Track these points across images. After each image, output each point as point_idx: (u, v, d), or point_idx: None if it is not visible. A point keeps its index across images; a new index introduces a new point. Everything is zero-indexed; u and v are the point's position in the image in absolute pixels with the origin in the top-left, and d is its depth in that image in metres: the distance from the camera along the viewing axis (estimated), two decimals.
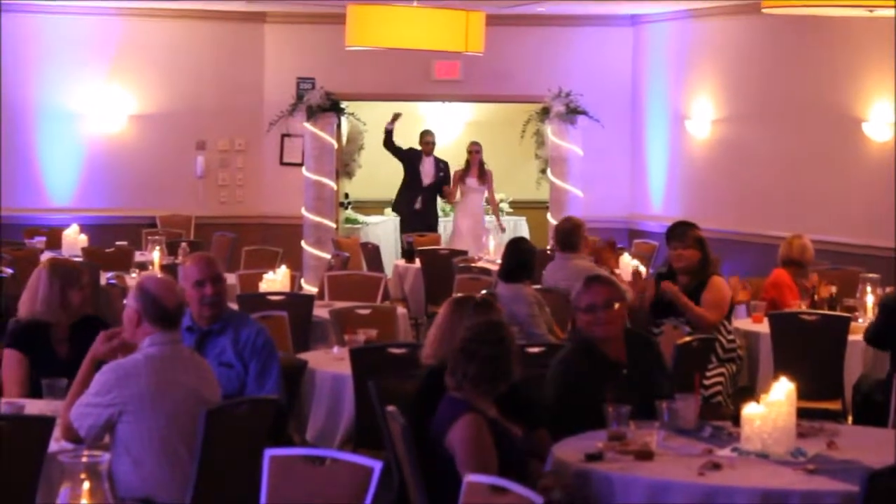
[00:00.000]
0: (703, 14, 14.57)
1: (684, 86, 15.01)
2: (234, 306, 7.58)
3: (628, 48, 15.91)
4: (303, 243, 15.48)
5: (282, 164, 15.82)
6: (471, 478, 4.55)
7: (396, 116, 15.46)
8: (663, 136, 15.43)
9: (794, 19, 12.25)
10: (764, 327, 8.69)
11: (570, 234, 9.43)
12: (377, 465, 4.57)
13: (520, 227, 17.36)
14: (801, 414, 5.37)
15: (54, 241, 13.15)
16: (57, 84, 15.21)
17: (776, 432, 5.16)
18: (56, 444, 5.07)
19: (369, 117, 16.45)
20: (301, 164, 15.60)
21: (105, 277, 10.52)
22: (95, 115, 15.34)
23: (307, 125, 15.48)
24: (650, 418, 5.52)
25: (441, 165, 15.37)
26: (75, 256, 11.78)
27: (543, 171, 15.91)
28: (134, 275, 10.67)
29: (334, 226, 15.70)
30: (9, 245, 12.21)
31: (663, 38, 15.51)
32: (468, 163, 15.19)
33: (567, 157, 15.52)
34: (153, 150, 15.55)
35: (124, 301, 5.44)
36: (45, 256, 11.29)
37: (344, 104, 15.68)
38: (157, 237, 12.06)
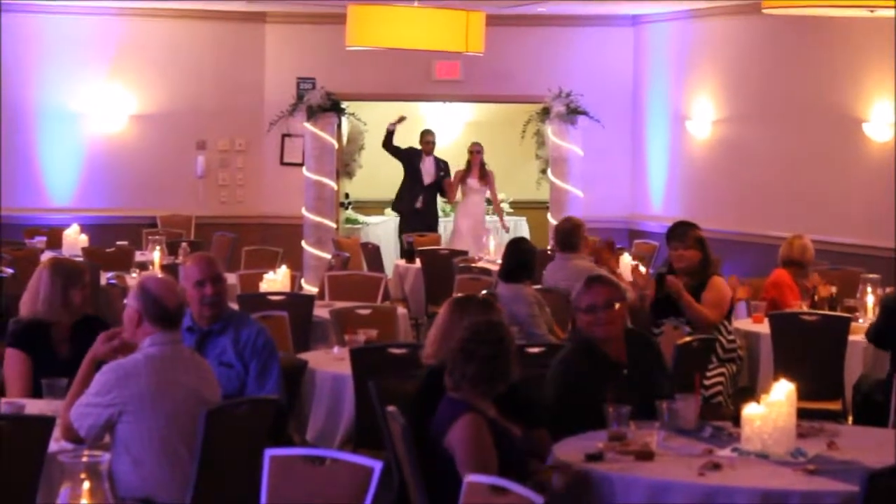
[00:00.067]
0: (703, 14, 14.57)
1: (685, 86, 15.01)
2: (235, 306, 7.58)
3: (629, 48, 15.91)
4: (303, 243, 15.49)
5: (282, 164, 15.82)
6: (471, 478, 4.55)
7: (401, 119, 15.46)
8: (664, 137, 15.43)
9: (795, 19, 12.25)
10: (764, 327, 8.69)
11: (570, 235, 9.43)
12: (377, 466, 4.57)
13: (520, 227, 17.36)
14: (802, 414, 5.37)
15: (54, 240, 13.15)
16: (57, 84, 15.21)
17: (776, 432, 5.16)
18: (56, 444, 5.07)
19: (370, 117, 16.45)
20: (301, 164, 15.61)
21: (105, 277, 10.53)
22: (96, 115, 15.35)
23: (307, 125, 15.49)
24: (650, 418, 5.52)
25: (441, 164, 15.37)
26: (75, 256, 11.78)
27: (544, 172, 15.91)
28: (134, 275, 10.67)
29: (334, 226, 15.70)
30: (9, 245, 12.22)
31: (664, 39, 15.51)
32: (469, 163, 15.21)
33: (567, 157, 15.52)
34: (153, 150, 15.55)
35: (124, 301, 5.44)
36: (46, 256, 11.29)
37: (344, 104, 15.68)
38: (157, 237, 12.06)
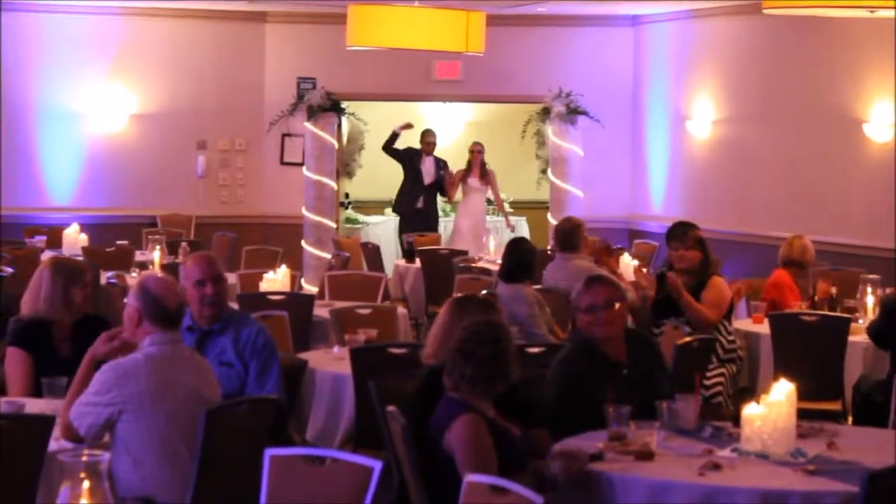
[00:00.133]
0: (703, 14, 14.57)
1: (685, 86, 15.01)
2: (235, 306, 7.58)
3: (629, 48, 15.91)
4: (303, 243, 15.49)
5: (282, 163, 15.82)
6: (471, 478, 4.55)
7: (408, 126, 15.46)
8: (664, 137, 15.43)
9: (795, 20, 12.25)
10: (764, 328, 8.69)
11: (570, 235, 9.43)
12: (377, 465, 4.57)
13: (520, 227, 17.35)
14: (802, 414, 5.37)
15: (55, 240, 13.15)
16: (58, 83, 15.21)
17: (776, 433, 5.16)
18: (56, 443, 5.07)
19: (370, 117, 16.45)
20: (301, 164, 15.61)
21: (105, 277, 10.52)
22: (96, 115, 15.35)
23: (308, 125, 15.49)
24: (650, 418, 5.52)
25: (441, 164, 15.38)
26: (76, 256, 11.77)
27: (544, 172, 15.91)
28: (134, 274, 10.67)
29: (335, 226, 15.70)
30: (9, 244, 12.21)
31: (664, 39, 15.51)
32: (470, 162, 15.24)
33: (567, 157, 15.52)
34: (154, 150, 15.55)
35: (125, 300, 5.44)
36: (46, 255, 11.28)
37: (344, 104, 15.68)
38: (157, 237, 12.06)
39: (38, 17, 15.14)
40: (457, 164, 15.47)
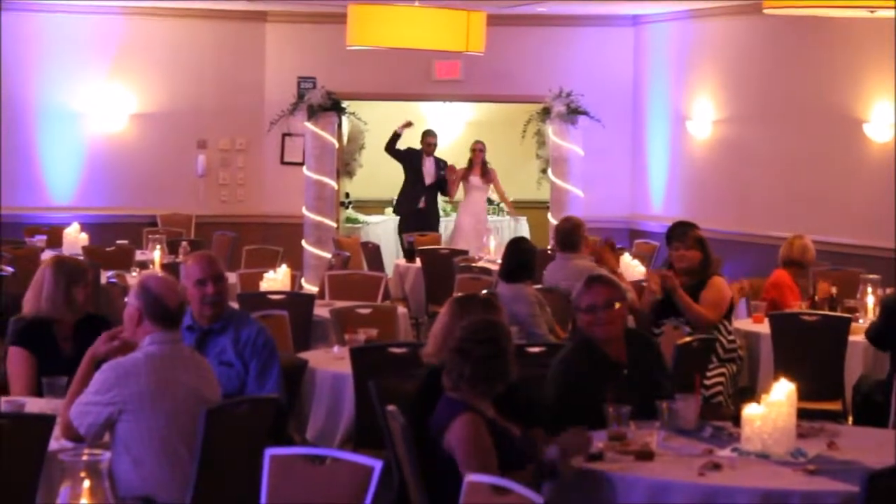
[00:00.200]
0: (704, 14, 14.57)
1: (685, 86, 15.01)
2: (235, 305, 7.58)
3: (629, 48, 15.91)
4: (303, 243, 15.48)
5: (282, 163, 15.82)
6: (471, 477, 4.55)
7: (408, 124, 15.48)
8: (664, 137, 15.43)
9: (795, 20, 12.25)
10: (764, 328, 8.69)
11: (570, 234, 9.43)
12: (377, 465, 4.57)
13: (520, 226, 17.37)
14: (802, 414, 5.37)
15: (55, 239, 13.15)
16: (58, 83, 15.21)
17: (776, 433, 5.16)
18: (56, 442, 5.07)
19: (370, 117, 16.45)
20: (302, 164, 15.61)
21: (106, 276, 10.52)
22: (96, 114, 15.35)
23: (308, 124, 15.49)
24: (651, 418, 5.52)
25: (441, 164, 15.40)
26: (76, 255, 11.77)
27: (544, 171, 15.91)
28: (134, 273, 10.67)
29: (335, 225, 15.70)
30: (9, 244, 12.21)
31: (664, 39, 15.51)
32: (471, 161, 15.28)
33: (568, 157, 15.52)
34: (154, 149, 15.56)
35: (125, 299, 5.44)
36: (46, 255, 11.29)
37: (345, 103, 15.67)
38: (157, 236, 12.06)
39: (38, 17, 15.14)
40: (457, 163, 15.48)
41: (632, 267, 11.21)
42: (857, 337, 8.41)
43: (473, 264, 11.96)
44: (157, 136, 15.56)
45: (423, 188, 15.27)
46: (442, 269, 12.06)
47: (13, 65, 14.94)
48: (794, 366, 7.87)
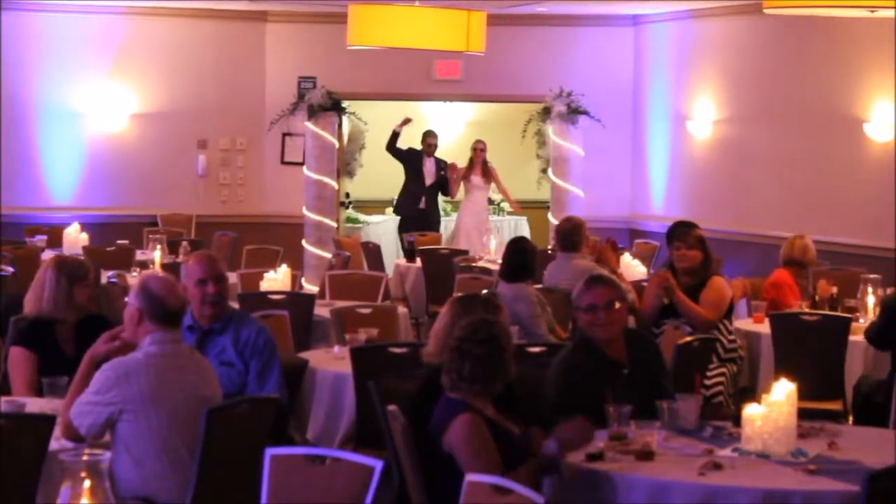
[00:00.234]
0: (704, 14, 14.57)
1: (685, 86, 15.02)
2: (236, 305, 7.58)
3: (629, 48, 15.91)
4: (304, 242, 15.49)
5: (283, 163, 15.83)
6: (472, 477, 4.55)
7: (407, 121, 15.49)
8: (664, 137, 15.43)
9: (796, 20, 12.25)
10: (765, 327, 8.69)
11: (571, 234, 9.43)
12: (378, 465, 4.57)
13: (521, 226, 17.38)
14: (802, 414, 5.37)
15: (55, 239, 13.15)
16: (59, 82, 15.22)
17: (777, 432, 5.16)
18: (56, 442, 5.07)
19: (370, 116, 16.45)
20: (302, 164, 15.61)
21: (106, 276, 10.52)
22: (97, 114, 15.35)
23: (308, 124, 15.49)
24: (651, 418, 5.52)
25: (442, 165, 15.41)
26: (76, 255, 11.77)
27: (544, 171, 15.91)
28: (135, 273, 10.67)
29: (335, 225, 15.70)
30: (10, 243, 12.21)
31: (664, 39, 15.51)
32: (472, 160, 15.31)
33: (568, 157, 15.52)
34: (154, 149, 15.56)
35: (125, 300, 5.44)
36: (46, 255, 11.28)
37: (345, 103, 15.68)
38: (158, 236, 12.06)
39: (38, 17, 15.14)
40: (457, 164, 15.49)
41: (632, 267, 11.22)
42: (857, 337, 8.41)
43: (474, 264, 11.96)
44: (158, 136, 15.56)
45: (424, 189, 15.27)
46: (442, 268, 12.06)
47: (13, 65, 14.94)
48: (795, 366, 7.87)
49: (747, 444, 5.19)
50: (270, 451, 4.75)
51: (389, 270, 13.30)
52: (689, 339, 7.36)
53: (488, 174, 15.34)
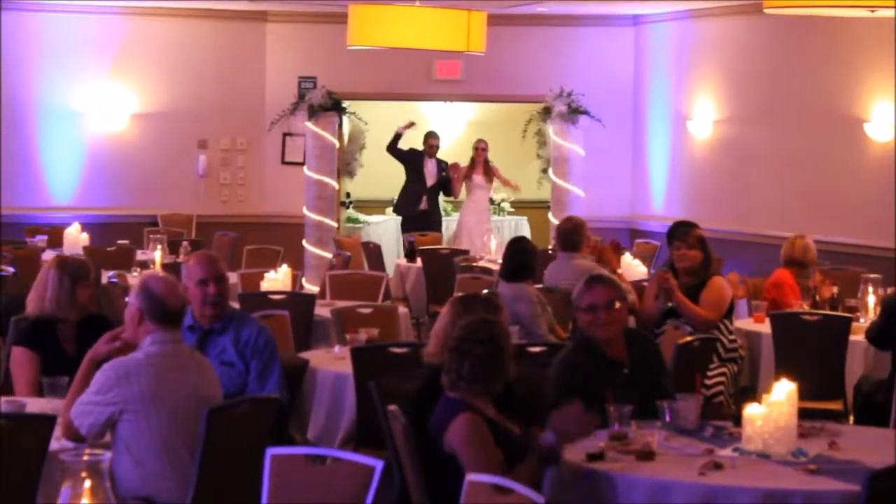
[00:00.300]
0: (704, 14, 14.57)
1: (686, 86, 15.02)
2: (236, 305, 7.58)
3: (630, 48, 15.91)
4: (304, 242, 15.49)
5: (283, 163, 15.83)
6: (472, 477, 4.55)
7: (411, 125, 15.49)
8: (665, 137, 15.43)
9: (796, 19, 12.25)
10: (765, 327, 8.69)
11: (571, 234, 9.43)
12: (378, 465, 4.57)
13: (521, 226, 17.38)
14: (803, 414, 5.37)
15: (56, 239, 13.15)
16: (59, 82, 15.22)
17: (777, 432, 5.16)
18: (57, 442, 5.07)
19: (371, 116, 16.45)
20: (302, 164, 15.61)
21: (106, 276, 10.52)
22: (97, 114, 15.35)
23: (309, 124, 15.49)
24: (651, 418, 5.52)
25: (443, 165, 15.42)
26: (77, 255, 11.77)
27: (545, 171, 15.91)
28: (135, 273, 10.67)
29: (336, 225, 15.70)
30: (10, 243, 12.21)
31: (665, 39, 15.51)
32: (473, 160, 15.32)
33: (569, 156, 15.52)
34: (155, 149, 15.56)
35: (126, 300, 5.44)
36: (47, 255, 11.29)
37: (345, 103, 15.68)
38: (158, 236, 12.05)
39: (38, 17, 15.14)
40: (458, 163, 15.49)
41: (632, 267, 11.21)
42: (858, 336, 8.41)
43: (474, 264, 11.96)
44: (158, 136, 15.57)
45: (425, 189, 15.27)
46: (443, 268, 12.06)
47: (13, 65, 14.94)
48: (795, 365, 7.87)
49: (748, 444, 5.19)
50: (271, 451, 4.75)
51: (390, 270, 13.30)
52: (689, 338, 7.37)
53: (490, 173, 15.37)
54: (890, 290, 8.81)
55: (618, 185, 15.93)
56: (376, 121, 16.40)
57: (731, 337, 8.26)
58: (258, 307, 8.40)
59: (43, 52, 15.17)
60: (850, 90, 12.48)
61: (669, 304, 8.19)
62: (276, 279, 9.92)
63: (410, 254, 13.09)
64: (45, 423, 5.01)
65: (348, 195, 17.42)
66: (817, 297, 9.18)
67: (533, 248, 9.02)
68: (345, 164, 16.77)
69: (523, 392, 5.56)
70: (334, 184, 15.60)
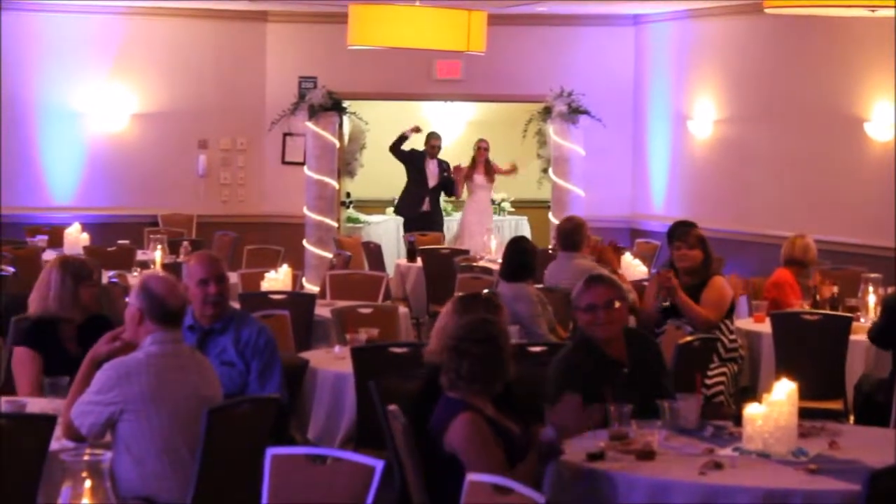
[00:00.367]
0: (704, 14, 14.57)
1: (686, 86, 15.01)
2: (237, 305, 7.58)
3: (630, 48, 15.91)
4: (304, 242, 15.49)
5: (283, 163, 15.83)
6: (473, 477, 4.55)
7: (417, 129, 15.50)
8: (665, 136, 15.43)
9: (796, 19, 12.25)
10: (766, 327, 8.69)
11: (571, 234, 9.43)
12: (379, 465, 4.57)
13: (521, 226, 17.38)
14: (803, 414, 5.37)
15: (56, 239, 13.16)
16: (59, 82, 15.22)
17: (778, 432, 5.16)
18: (57, 442, 5.07)
19: (371, 116, 16.44)
20: (303, 164, 15.61)
21: (107, 276, 10.52)
22: (97, 114, 15.35)
23: (309, 124, 15.49)
24: (651, 418, 5.52)
25: (444, 166, 15.43)
26: (77, 255, 11.77)
27: (545, 171, 15.91)
28: (135, 273, 10.67)
29: (336, 225, 15.70)
30: (10, 244, 12.21)
31: (665, 38, 15.51)
32: (475, 159, 15.33)
33: (569, 156, 15.52)
34: (155, 149, 15.56)
35: (126, 299, 5.44)
36: (47, 255, 11.29)
37: (346, 103, 15.68)
38: (158, 236, 12.05)
39: (38, 17, 15.14)
40: (460, 163, 15.50)
41: (633, 266, 11.21)
42: (858, 336, 8.41)
43: (474, 264, 11.96)
44: (158, 136, 15.57)
45: (427, 190, 15.28)
46: (443, 268, 12.06)
47: (13, 65, 14.94)
48: (796, 365, 7.87)
49: (748, 444, 5.19)
50: (271, 451, 4.75)
51: (390, 270, 13.30)
52: (689, 338, 7.37)
53: (491, 173, 15.37)
54: (890, 290, 8.81)
55: (618, 184, 15.92)
56: (377, 121, 16.40)
57: (732, 337, 8.27)
58: (258, 307, 8.40)
59: (43, 52, 15.17)
60: (850, 90, 12.48)
61: (665, 303, 8.19)
62: (277, 279, 9.92)
63: (411, 253, 13.10)
64: (46, 423, 5.01)
65: (348, 195, 17.42)
66: (818, 297, 9.19)
67: (533, 248, 9.02)
68: (345, 164, 16.76)
69: (523, 392, 5.55)
70: (335, 184, 15.60)
